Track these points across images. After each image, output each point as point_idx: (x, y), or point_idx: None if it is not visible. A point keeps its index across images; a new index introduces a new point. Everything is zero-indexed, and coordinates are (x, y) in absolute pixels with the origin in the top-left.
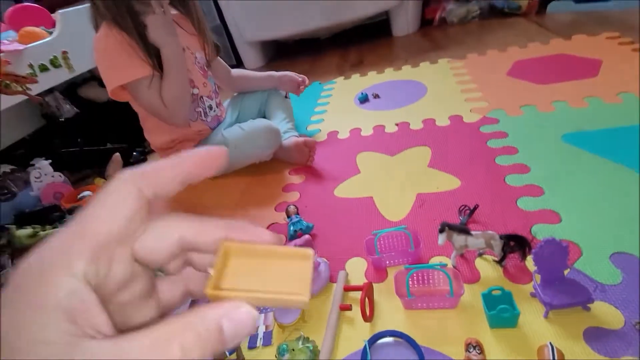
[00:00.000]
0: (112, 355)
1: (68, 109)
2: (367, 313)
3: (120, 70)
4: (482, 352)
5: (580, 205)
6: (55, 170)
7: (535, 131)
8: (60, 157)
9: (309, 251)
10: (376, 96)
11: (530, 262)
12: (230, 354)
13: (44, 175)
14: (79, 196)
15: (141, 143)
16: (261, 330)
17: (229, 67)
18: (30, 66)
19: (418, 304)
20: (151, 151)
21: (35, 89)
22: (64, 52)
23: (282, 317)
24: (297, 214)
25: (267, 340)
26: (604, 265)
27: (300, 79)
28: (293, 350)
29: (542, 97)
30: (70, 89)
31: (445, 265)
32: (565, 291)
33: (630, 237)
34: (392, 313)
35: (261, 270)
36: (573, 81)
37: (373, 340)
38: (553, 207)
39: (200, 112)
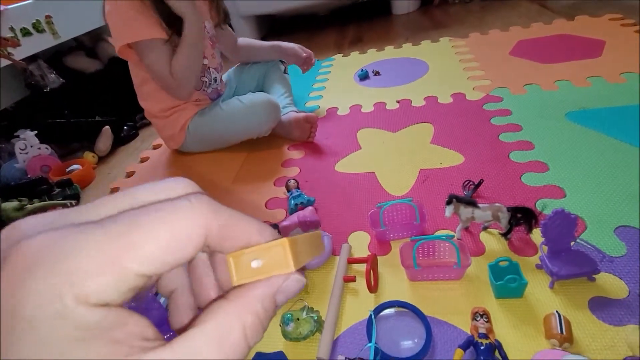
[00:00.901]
0: None
1: (53, 79)
2: (372, 284)
3: (133, 27)
4: (489, 320)
5: (585, 181)
6: (41, 142)
7: (539, 109)
8: (47, 128)
9: (283, 240)
10: (377, 73)
11: (535, 235)
12: None
13: (29, 147)
14: (67, 169)
15: (132, 116)
16: None
17: (236, 36)
18: (12, 29)
19: (424, 275)
20: (143, 125)
21: (17, 55)
22: (48, 17)
23: None
24: (298, 188)
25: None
26: (608, 238)
27: (305, 54)
28: (298, 319)
29: (545, 76)
30: (55, 58)
31: (453, 236)
32: (572, 262)
33: (633, 212)
34: (396, 285)
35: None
36: (576, 61)
37: (378, 310)
38: (558, 183)
39: (205, 82)
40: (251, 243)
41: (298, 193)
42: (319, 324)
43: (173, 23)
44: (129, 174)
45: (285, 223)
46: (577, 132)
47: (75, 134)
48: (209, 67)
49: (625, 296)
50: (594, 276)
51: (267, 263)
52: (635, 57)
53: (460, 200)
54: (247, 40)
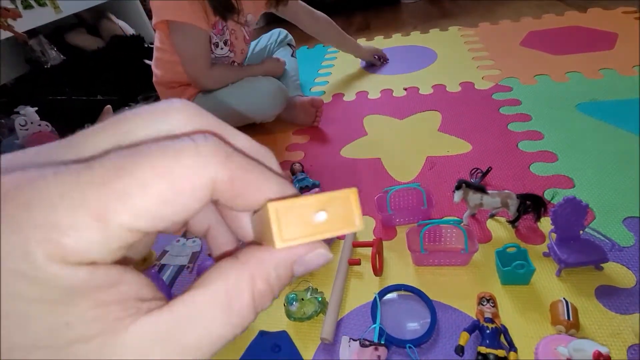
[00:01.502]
0: (176, 326)
1: (54, 55)
2: (377, 267)
3: (177, 6)
4: (495, 305)
5: (594, 172)
6: (41, 119)
7: (550, 100)
8: (47, 105)
9: (350, 190)
10: (382, 58)
11: (542, 224)
12: None
13: (29, 124)
14: None
15: (134, 96)
16: None
17: (308, 7)
18: (13, 1)
19: (430, 260)
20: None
21: (18, 27)
22: None
23: None
24: (303, 171)
25: None
26: (617, 228)
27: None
28: (302, 300)
29: (556, 67)
30: (56, 34)
31: (461, 221)
32: (581, 250)
33: None
34: (401, 269)
35: (312, 217)
36: (588, 53)
37: (383, 293)
38: (567, 173)
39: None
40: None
41: (303, 176)
42: (323, 305)
43: (221, 10)
44: None
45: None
46: (588, 123)
47: (76, 111)
48: (233, 61)
49: (633, 285)
50: (601, 265)
51: (329, 219)
52: None
53: (469, 185)
54: (337, 29)
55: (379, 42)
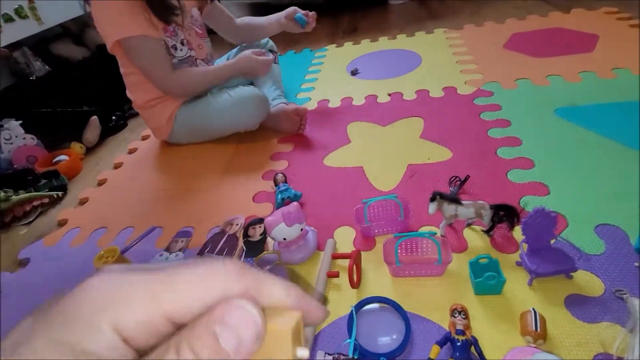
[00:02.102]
0: None
1: (39, 67)
2: (355, 280)
3: (122, 23)
4: (467, 317)
5: (569, 179)
6: (26, 132)
7: (529, 105)
8: (32, 118)
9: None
10: (355, 72)
11: (516, 233)
12: None
13: (14, 137)
14: (54, 160)
15: (121, 107)
16: None
17: (231, 15)
18: None
19: (405, 272)
20: (131, 116)
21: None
22: (31, 2)
23: None
24: (285, 182)
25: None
26: (588, 236)
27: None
28: None
29: (537, 70)
30: (41, 45)
31: (435, 233)
32: (551, 260)
33: (615, 210)
34: (379, 281)
35: None
36: (569, 55)
37: (360, 306)
38: (542, 180)
39: None
40: (275, 302)
41: (285, 187)
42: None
43: (165, 14)
44: (117, 166)
45: (269, 218)
46: (565, 128)
47: (62, 123)
48: (195, 59)
49: (601, 294)
50: (571, 274)
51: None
52: (628, 53)
53: (443, 197)
54: (245, 18)
55: (366, 46)
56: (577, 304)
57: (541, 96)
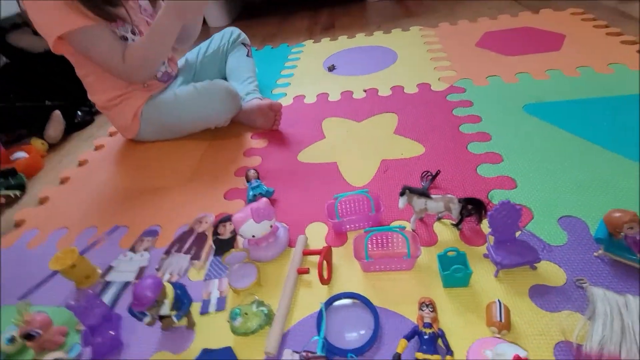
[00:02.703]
0: None
1: None
2: (325, 276)
3: (60, 18)
4: (434, 310)
5: (535, 172)
6: None
7: (499, 101)
8: None
9: None
10: (332, 68)
11: (484, 226)
12: (178, 319)
13: None
14: (12, 157)
15: (86, 101)
16: (215, 296)
17: None
18: None
19: (376, 266)
20: (98, 111)
21: None
22: None
23: (236, 281)
24: (258, 178)
25: (221, 305)
26: (552, 227)
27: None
28: (246, 314)
29: (507, 68)
30: None
31: (404, 227)
32: (516, 252)
33: (578, 202)
34: (350, 276)
35: None
36: (537, 54)
37: (329, 302)
38: (510, 174)
39: None
40: None
41: (257, 184)
42: (268, 318)
43: (99, 6)
44: (81, 163)
45: (237, 215)
46: (533, 124)
47: (22, 119)
48: None
49: (563, 283)
50: (535, 265)
51: None
52: (592, 52)
53: (413, 191)
54: None
55: (343, 42)
56: (540, 293)
57: (511, 93)
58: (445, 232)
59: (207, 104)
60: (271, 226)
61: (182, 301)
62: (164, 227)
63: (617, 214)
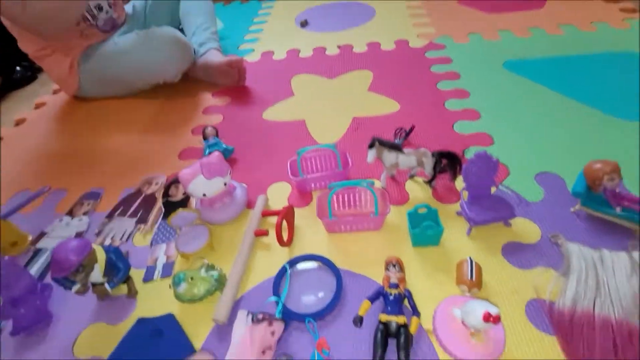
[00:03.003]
0: None
1: None
2: (285, 238)
3: None
4: (401, 270)
5: (513, 129)
6: None
7: (479, 58)
8: None
9: None
10: (304, 23)
11: (458, 183)
12: (112, 287)
13: None
14: None
15: (26, 57)
16: (161, 262)
17: None
18: None
19: (341, 226)
20: (41, 68)
21: None
22: None
23: (185, 245)
24: (217, 136)
25: (167, 271)
26: (528, 184)
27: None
28: (192, 279)
29: (489, 25)
30: None
31: (373, 183)
32: (490, 207)
33: (555, 159)
34: (313, 238)
35: None
36: (520, 12)
37: (290, 264)
38: (487, 131)
39: (87, 16)
40: None
41: (215, 141)
42: (220, 283)
43: None
44: (19, 122)
45: (186, 170)
46: (512, 80)
47: None
48: (115, 19)
49: (537, 240)
50: (510, 221)
51: None
52: (574, 10)
53: (383, 143)
54: None
55: None
56: (513, 251)
57: (491, 50)
58: (417, 190)
59: (151, 53)
60: (225, 184)
61: (117, 267)
62: (108, 189)
63: (598, 165)
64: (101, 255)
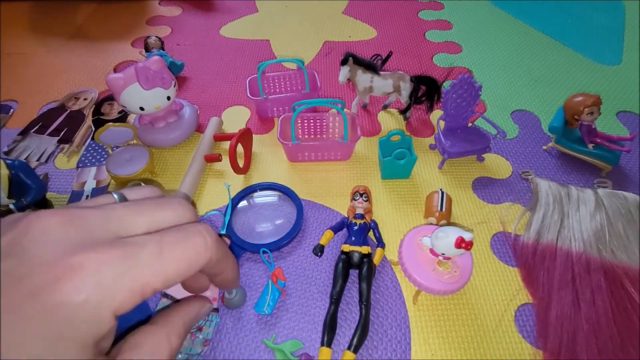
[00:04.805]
0: None
1: None
2: (241, 165)
3: None
4: (368, 199)
5: (493, 65)
6: None
7: None
8: None
9: None
10: None
11: (434, 116)
12: (18, 208)
13: None
14: None
15: None
16: (90, 186)
17: None
18: None
19: (305, 154)
20: None
21: None
22: None
23: (118, 167)
24: (162, 48)
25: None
26: (504, 121)
27: None
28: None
29: None
30: None
31: (343, 103)
32: (466, 139)
33: (532, 97)
34: (274, 167)
35: None
36: None
37: (246, 192)
38: (467, 65)
39: None
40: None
41: (161, 53)
42: None
43: None
44: None
45: (114, 75)
46: (497, 15)
47: None
48: None
49: (508, 176)
50: (483, 156)
51: None
52: None
53: (358, 61)
54: None
55: None
56: (483, 185)
57: None
58: (389, 121)
59: None
60: (169, 98)
61: (26, 185)
62: (23, 102)
63: (580, 98)
64: (4, 171)
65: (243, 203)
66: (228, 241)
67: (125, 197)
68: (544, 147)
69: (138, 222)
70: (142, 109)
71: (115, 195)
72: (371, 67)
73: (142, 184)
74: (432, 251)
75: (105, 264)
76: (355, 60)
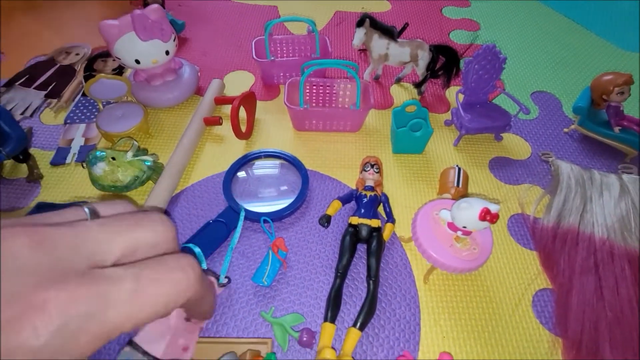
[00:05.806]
0: None
1: None
2: (243, 129)
3: None
4: (380, 171)
5: (513, 45)
6: None
7: None
8: None
9: None
10: None
11: (450, 93)
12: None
13: None
14: None
15: None
16: (77, 143)
17: None
18: None
19: (313, 122)
20: None
21: None
22: None
23: (110, 124)
24: (163, 5)
25: (84, 155)
26: (524, 101)
27: None
28: (113, 159)
29: None
30: None
31: (357, 67)
32: (486, 115)
33: (553, 79)
34: (279, 135)
35: None
36: None
37: (247, 159)
38: (485, 43)
39: None
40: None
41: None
42: (153, 171)
43: None
44: None
45: (109, 22)
46: None
47: None
48: None
49: (527, 157)
50: (502, 135)
51: None
52: None
53: (375, 25)
54: None
55: None
56: (501, 165)
57: None
58: (403, 95)
59: None
60: (167, 53)
61: (5, 134)
62: (10, 54)
63: (610, 77)
64: None
65: (244, 171)
66: (214, 280)
67: (97, 212)
68: (566, 130)
69: (114, 244)
70: (137, 62)
71: (87, 210)
72: (389, 32)
73: (135, 143)
74: (450, 226)
75: (72, 304)
76: (372, 23)
